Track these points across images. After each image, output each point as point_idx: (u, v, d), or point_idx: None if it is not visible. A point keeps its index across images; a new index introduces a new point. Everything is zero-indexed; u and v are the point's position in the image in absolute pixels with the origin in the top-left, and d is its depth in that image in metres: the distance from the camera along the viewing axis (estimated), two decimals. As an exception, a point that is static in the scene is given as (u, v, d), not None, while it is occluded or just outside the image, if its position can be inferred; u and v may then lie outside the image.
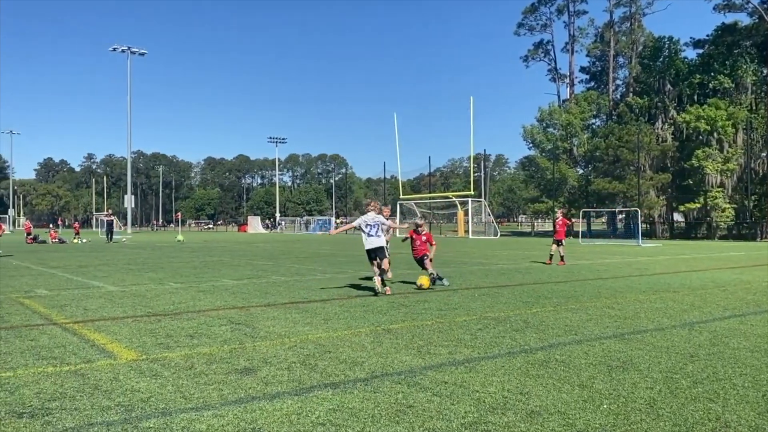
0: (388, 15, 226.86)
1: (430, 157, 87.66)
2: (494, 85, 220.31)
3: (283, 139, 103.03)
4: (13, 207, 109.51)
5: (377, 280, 10.01)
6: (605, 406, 4.09)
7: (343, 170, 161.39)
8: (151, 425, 3.71)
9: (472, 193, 50.91)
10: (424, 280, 11.01)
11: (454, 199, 55.24)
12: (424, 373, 4.92)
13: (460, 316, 7.88)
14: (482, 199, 55.94)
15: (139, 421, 3.78)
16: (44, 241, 35.30)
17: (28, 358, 5.48)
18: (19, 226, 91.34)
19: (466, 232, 50.24)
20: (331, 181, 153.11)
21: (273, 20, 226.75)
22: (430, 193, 65.92)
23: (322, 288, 11.24)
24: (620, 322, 7.44)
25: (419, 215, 22.31)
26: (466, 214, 51.31)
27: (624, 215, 50.80)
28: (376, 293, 9.90)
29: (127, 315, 8.04)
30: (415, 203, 57.72)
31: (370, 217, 10.35)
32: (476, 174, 63.46)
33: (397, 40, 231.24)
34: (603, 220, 68.91)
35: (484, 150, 71.63)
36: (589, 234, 47.65)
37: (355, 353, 5.66)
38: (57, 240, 35.82)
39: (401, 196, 57.32)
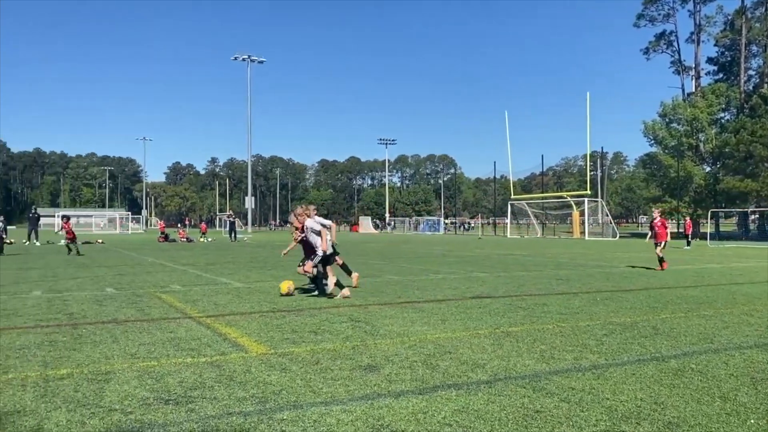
0: (496, 12, 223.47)
1: (542, 156, 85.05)
2: (611, 80, 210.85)
3: (393, 140, 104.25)
4: (146, 207, 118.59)
5: (332, 282, 9.82)
6: (752, 421, 3.79)
7: (452, 170, 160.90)
8: (285, 417, 3.87)
9: (588, 192, 49.02)
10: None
11: (569, 199, 53.47)
12: (549, 378, 4.80)
13: (583, 320, 7.60)
14: (599, 199, 53.68)
15: (273, 413, 3.95)
16: (174, 240, 37.94)
17: (169, 349, 5.90)
18: (151, 225, 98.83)
19: (582, 233, 48.45)
20: (440, 181, 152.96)
21: (383, 22, 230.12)
22: (542, 192, 64.19)
23: (436, 288, 11.25)
24: (762, 331, 6.88)
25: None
26: (581, 214, 49.49)
27: (758, 216, 46.91)
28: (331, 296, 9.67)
29: (254, 310, 8.45)
30: (527, 203, 56.45)
31: (310, 223, 10.02)
32: (592, 173, 60.98)
33: (507, 36, 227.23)
34: (733, 221, 64.09)
35: (601, 148, 68.57)
36: (718, 236, 44.45)
37: (475, 355, 5.61)
38: (185, 239, 38.39)
39: (512, 196, 56.23)
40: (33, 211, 38.16)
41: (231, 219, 42.57)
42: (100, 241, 37.81)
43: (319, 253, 9.85)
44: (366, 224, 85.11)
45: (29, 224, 36.46)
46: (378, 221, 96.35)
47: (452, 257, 21.10)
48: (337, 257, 10.63)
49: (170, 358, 5.52)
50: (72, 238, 22.14)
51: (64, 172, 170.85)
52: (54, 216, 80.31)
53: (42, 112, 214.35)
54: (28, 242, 33.64)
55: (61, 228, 23.28)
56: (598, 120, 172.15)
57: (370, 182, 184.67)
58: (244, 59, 67.23)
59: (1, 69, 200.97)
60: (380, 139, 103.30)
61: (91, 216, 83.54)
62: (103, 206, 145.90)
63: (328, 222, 10.50)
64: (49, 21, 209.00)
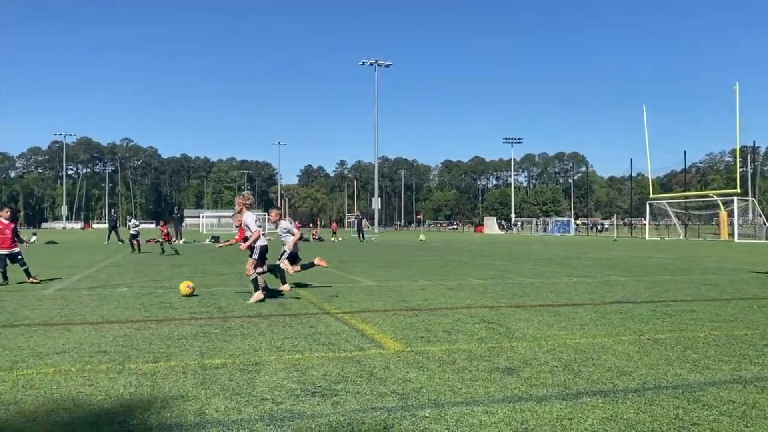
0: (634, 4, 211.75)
1: (685, 152, 79.49)
2: (764, 70, 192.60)
3: (519, 139, 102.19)
4: (281, 208, 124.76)
5: (286, 287, 10.19)
6: None
7: (583, 169, 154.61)
8: (427, 415, 3.91)
9: (737, 191, 45.14)
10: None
11: (715, 198, 49.55)
12: (704, 390, 4.47)
13: (739, 329, 7.01)
14: (750, 198, 49.29)
15: (415, 410, 4.00)
16: (307, 239, 39.62)
17: (311, 343, 6.16)
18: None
19: (730, 234, 44.72)
20: (570, 180, 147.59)
21: (506, 19, 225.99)
22: (684, 191, 59.97)
23: (571, 291, 10.86)
24: None
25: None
26: (730, 214, 45.68)
27: None
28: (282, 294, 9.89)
29: (387, 308, 8.61)
30: (667, 203, 53.00)
31: (286, 224, 10.81)
32: (742, 169, 56.09)
33: (642, 26, 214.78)
34: None
35: (753, 142, 62.87)
36: None
37: (620, 362, 5.35)
38: (317, 238, 40.06)
39: (651, 195, 53.04)
40: (176, 211, 41.45)
41: (359, 219, 43.64)
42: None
43: (287, 249, 10.86)
44: (491, 225, 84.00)
45: (174, 224, 39.69)
46: (503, 222, 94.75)
47: (586, 260, 20.27)
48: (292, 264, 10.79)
49: (313, 352, 5.76)
50: (167, 239, 23.97)
51: (207, 176, 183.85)
52: (199, 216, 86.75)
53: (188, 120, 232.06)
54: (176, 241, 36.54)
55: (160, 230, 25.43)
56: (749, 113, 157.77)
57: (494, 182, 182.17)
58: (371, 64, 68.79)
59: (159, 86, 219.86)
60: (505, 138, 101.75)
61: (231, 216, 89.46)
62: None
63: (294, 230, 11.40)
64: (191, 47, 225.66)
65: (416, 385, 4.58)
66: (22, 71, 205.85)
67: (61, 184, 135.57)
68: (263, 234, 9.88)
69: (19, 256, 12.33)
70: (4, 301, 9.34)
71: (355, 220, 43.79)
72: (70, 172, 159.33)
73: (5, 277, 11.91)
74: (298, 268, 10.92)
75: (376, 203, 72.07)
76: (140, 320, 7.62)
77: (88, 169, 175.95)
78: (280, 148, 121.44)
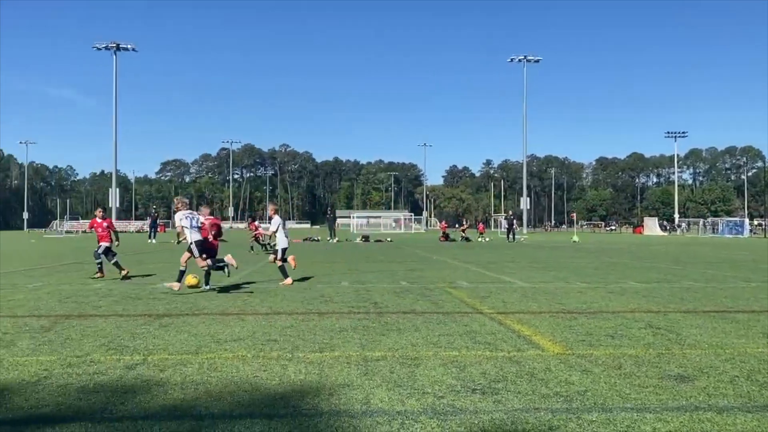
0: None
1: None
2: None
3: (683, 133, 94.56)
4: (426, 209, 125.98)
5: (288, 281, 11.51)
6: None
7: (758, 164, 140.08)
8: (594, 419, 3.76)
9: None
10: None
11: None
12: None
13: None
14: None
15: (581, 413, 3.87)
16: (454, 240, 39.73)
17: (467, 341, 6.16)
18: (430, 226, 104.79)
19: None
20: (743, 177, 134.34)
21: (660, 7, 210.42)
22: None
23: (750, 297, 9.89)
24: None
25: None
26: None
27: None
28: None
29: (543, 310, 8.39)
30: None
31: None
32: None
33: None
34: None
35: None
36: None
37: (815, 375, 4.79)
38: (464, 238, 40.05)
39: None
40: (329, 212, 43.29)
41: (510, 219, 42.79)
42: (389, 239, 41.28)
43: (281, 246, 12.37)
44: (651, 226, 78.65)
45: (328, 223, 41.52)
46: (665, 223, 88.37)
47: (764, 263, 18.33)
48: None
49: (470, 350, 5.76)
50: (256, 237, 25.53)
51: (357, 178, 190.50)
52: (350, 217, 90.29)
53: (340, 124, 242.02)
54: (331, 239, 38.18)
55: (248, 228, 26.96)
56: None
57: (654, 180, 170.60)
58: (519, 60, 67.38)
59: (307, 93, 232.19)
60: (668, 133, 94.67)
61: (379, 217, 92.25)
62: (389, 208, 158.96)
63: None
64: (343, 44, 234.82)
65: (580, 388, 4.42)
66: (194, 86, 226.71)
67: (228, 187, 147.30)
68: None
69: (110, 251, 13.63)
70: (186, 293, 10.33)
71: (506, 221, 42.91)
72: (235, 176, 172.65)
73: (100, 270, 13.17)
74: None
75: (525, 203, 70.46)
76: (304, 312, 8.08)
77: (251, 173, 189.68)
78: (426, 149, 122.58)
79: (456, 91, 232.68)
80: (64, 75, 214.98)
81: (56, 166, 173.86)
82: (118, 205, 60.91)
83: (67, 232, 63.55)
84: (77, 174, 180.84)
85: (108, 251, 13.48)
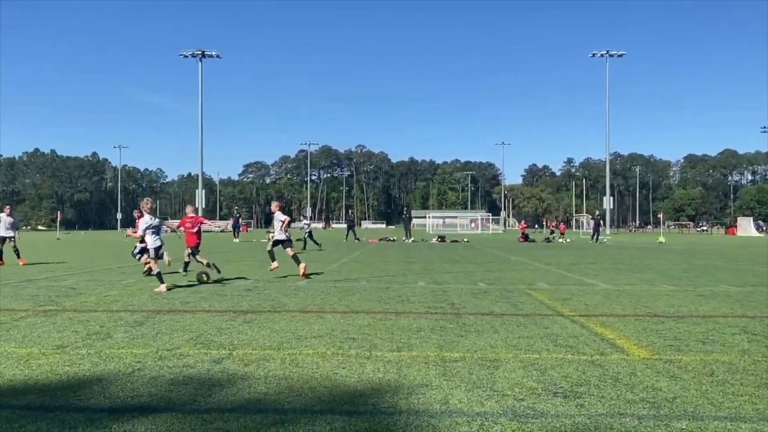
0: None
1: None
2: None
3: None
4: (504, 209, 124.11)
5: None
6: None
7: None
8: (684, 427, 3.60)
9: None
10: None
11: None
12: None
13: None
14: None
15: (670, 421, 3.71)
16: (534, 240, 39.00)
17: (548, 344, 6.04)
18: (508, 226, 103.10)
19: None
20: None
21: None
22: None
23: None
24: None
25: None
26: None
27: None
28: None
29: (627, 313, 8.10)
30: None
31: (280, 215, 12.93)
32: None
33: None
34: None
35: None
36: None
37: None
38: (546, 239, 39.34)
39: None
40: (405, 212, 43.39)
41: (597, 219, 41.38)
42: (465, 239, 40.98)
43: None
44: (746, 226, 74.27)
45: (403, 223, 41.58)
46: (761, 223, 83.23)
47: None
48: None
49: (550, 352, 5.64)
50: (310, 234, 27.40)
51: (433, 178, 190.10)
52: (425, 217, 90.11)
53: (415, 124, 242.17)
54: (406, 239, 38.26)
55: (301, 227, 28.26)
56: None
57: (749, 178, 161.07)
58: (602, 55, 65.29)
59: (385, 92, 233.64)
60: (764, 128, 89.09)
61: (456, 217, 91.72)
62: (466, 208, 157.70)
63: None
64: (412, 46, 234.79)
65: (668, 395, 4.25)
66: (274, 89, 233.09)
67: (306, 188, 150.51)
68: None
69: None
70: (268, 291, 10.64)
71: (593, 221, 41.38)
72: (313, 177, 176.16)
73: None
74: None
75: (608, 202, 68.13)
76: (381, 312, 8.15)
77: (328, 174, 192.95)
78: (504, 147, 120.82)
79: (535, 88, 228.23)
80: (155, 82, 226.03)
81: (147, 169, 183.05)
82: (203, 206, 63.37)
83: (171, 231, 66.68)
84: (166, 176, 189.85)
85: (144, 250, 13.73)
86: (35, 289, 10.88)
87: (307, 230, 28.56)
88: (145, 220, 11.23)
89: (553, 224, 42.53)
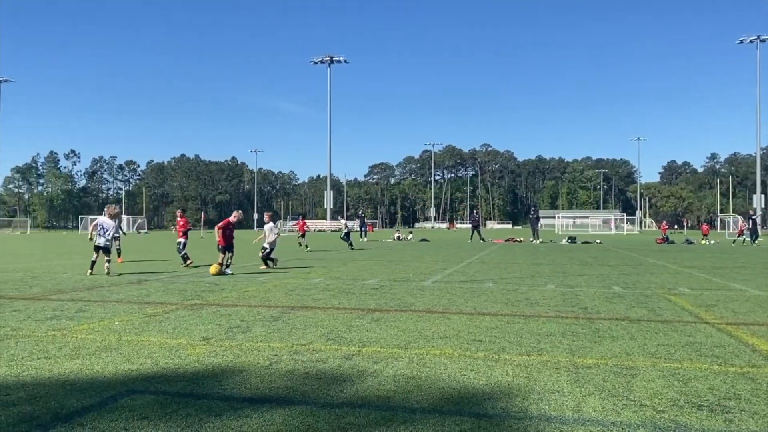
0: None
1: None
2: None
3: None
4: (640, 208, 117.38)
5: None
6: None
7: None
8: None
9: None
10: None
11: None
12: None
13: None
14: None
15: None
16: (673, 242, 36.56)
17: (690, 353, 5.64)
18: (645, 226, 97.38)
19: None
20: None
21: None
22: None
23: None
24: None
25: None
26: None
27: None
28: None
29: (784, 323, 7.37)
30: None
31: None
32: None
33: None
34: None
35: None
36: None
37: None
38: (664, 239, 36.93)
39: None
40: (533, 211, 42.31)
41: (753, 218, 37.75)
42: (598, 241, 39.25)
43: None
44: None
45: (531, 224, 40.53)
46: None
47: None
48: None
49: (693, 362, 5.27)
50: (302, 233, 28.21)
51: (562, 177, 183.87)
52: (554, 217, 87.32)
53: (543, 121, 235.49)
54: (534, 240, 37.31)
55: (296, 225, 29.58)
56: None
57: None
58: (751, 41, 59.93)
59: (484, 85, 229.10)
60: None
61: (587, 217, 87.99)
62: (598, 207, 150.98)
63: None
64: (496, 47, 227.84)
65: (836, 416, 3.81)
66: (398, 91, 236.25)
67: (430, 188, 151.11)
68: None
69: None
70: (394, 290, 10.82)
71: (750, 220, 37.88)
72: (437, 177, 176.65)
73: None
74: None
75: (758, 201, 62.42)
76: (509, 314, 8.01)
77: (452, 174, 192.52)
78: (640, 143, 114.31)
79: (673, 79, 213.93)
80: (287, 89, 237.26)
81: (280, 172, 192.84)
82: (332, 206, 65.65)
83: (290, 230, 70.04)
84: (298, 178, 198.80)
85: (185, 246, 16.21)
86: (182, 284, 11.80)
87: (345, 230, 29.10)
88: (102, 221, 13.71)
89: (707, 226, 39.55)
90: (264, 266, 15.40)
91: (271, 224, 15.92)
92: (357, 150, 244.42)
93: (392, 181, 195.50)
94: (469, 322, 7.33)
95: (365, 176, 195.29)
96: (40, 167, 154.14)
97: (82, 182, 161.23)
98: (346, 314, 7.98)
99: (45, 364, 5.14)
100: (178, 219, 18.00)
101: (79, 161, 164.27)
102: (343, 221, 33.27)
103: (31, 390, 4.37)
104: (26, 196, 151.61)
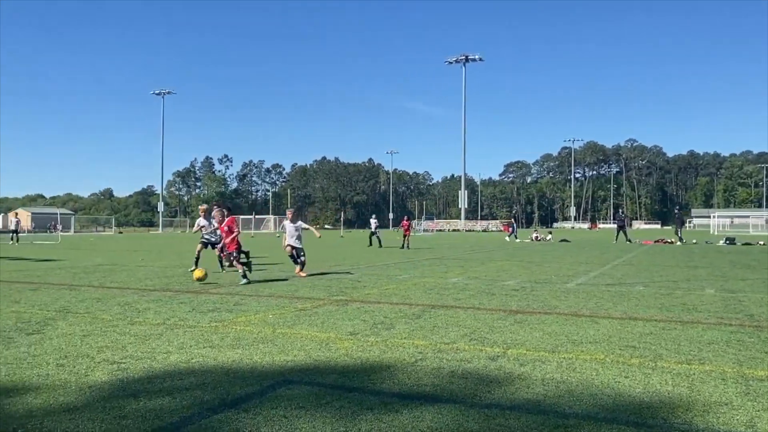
0: None
1: None
2: None
3: None
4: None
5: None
6: None
7: None
8: None
9: None
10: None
11: None
12: None
13: None
14: None
15: None
16: None
17: None
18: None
19: None
20: None
21: None
22: None
23: None
24: None
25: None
26: None
27: None
28: None
29: None
30: None
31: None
32: None
33: None
34: None
35: None
36: None
37: None
38: None
39: None
40: (677, 212, 39.50)
41: None
42: (761, 242, 35.77)
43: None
44: None
45: (675, 224, 37.81)
46: None
47: None
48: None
49: None
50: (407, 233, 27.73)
51: (717, 173, 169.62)
52: (709, 217, 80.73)
53: (695, 114, 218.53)
54: (677, 241, 34.70)
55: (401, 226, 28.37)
56: None
57: None
58: None
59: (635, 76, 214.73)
60: None
61: (747, 216, 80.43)
62: (760, 206, 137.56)
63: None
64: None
65: None
66: (535, 87, 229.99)
67: (570, 186, 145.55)
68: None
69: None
70: (536, 291, 10.55)
71: None
72: (577, 175, 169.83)
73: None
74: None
75: None
76: (663, 320, 7.51)
77: (594, 172, 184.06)
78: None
79: None
80: (421, 90, 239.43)
81: (415, 172, 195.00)
82: (466, 206, 65.28)
83: (424, 230, 70.74)
84: (432, 178, 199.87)
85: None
86: (327, 281, 12.30)
87: (373, 229, 30.32)
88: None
89: None
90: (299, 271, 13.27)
91: (295, 223, 13.67)
92: (492, 149, 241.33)
93: (528, 179, 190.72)
94: (620, 327, 6.96)
95: (500, 175, 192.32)
96: (197, 171, 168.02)
97: (234, 184, 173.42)
98: (488, 315, 7.89)
99: (210, 353, 5.57)
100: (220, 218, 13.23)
101: (231, 165, 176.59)
102: (373, 221, 32.55)
103: (200, 376, 4.75)
104: (185, 198, 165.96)
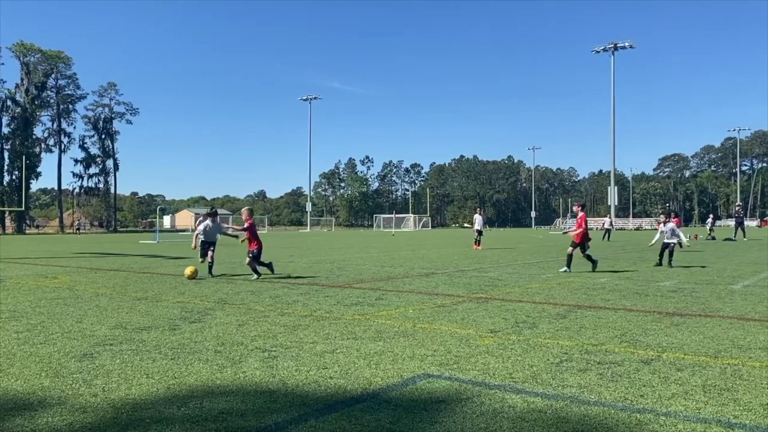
0: None
1: None
2: None
3: None
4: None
5: None
6: None
7: None
8: None
9: None
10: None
11: None
12: None
13: None
14: None
15: None
16: None
17: None
18: None
19: None
20: None
21: None
22: None
23: None
24: None
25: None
26: None
27: None
28: None
29: None
30: None
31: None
32: None
33: None
34: None
35: None
36: None
37: None
38: None
39: None
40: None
41: None
42: None
43: None
44: None
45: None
46: None
47: None
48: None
49: None
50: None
51: None
52: None
53: None
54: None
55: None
56: None
57: None
58: None
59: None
60: None
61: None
62: None
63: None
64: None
65: None
66: (694, 74, 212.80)
67: (735, 180, 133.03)
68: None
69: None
70: (696, 293, 9.74)
71: None
72: (744, 168, 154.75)
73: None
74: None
75: None
76: None
77: (764, 164, 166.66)
78: None
79: None
80: (564, 81, 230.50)
81: (559, 168, 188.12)
82: (616, 203, 61.87)
83: (563, 232, 67.91)
84: (578, 174, 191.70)
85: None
86: (467, 278, 12.20)
87: (478, 227, 26.10)
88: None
89: None
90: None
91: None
92: (644, 142, 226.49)
93: (687, 174, 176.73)
94: (797, 333, 6.22)
95: (654, 170, 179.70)
96: (341, 172, 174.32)
97: (375, 185, 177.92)
98: (640, 316, 7.39)
99: (353, 344, 5.72)
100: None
101: (372, 166, 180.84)
102: (477, 217, 28.95)
103: (344, 366, 4.89)
104: (330, 198, 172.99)
